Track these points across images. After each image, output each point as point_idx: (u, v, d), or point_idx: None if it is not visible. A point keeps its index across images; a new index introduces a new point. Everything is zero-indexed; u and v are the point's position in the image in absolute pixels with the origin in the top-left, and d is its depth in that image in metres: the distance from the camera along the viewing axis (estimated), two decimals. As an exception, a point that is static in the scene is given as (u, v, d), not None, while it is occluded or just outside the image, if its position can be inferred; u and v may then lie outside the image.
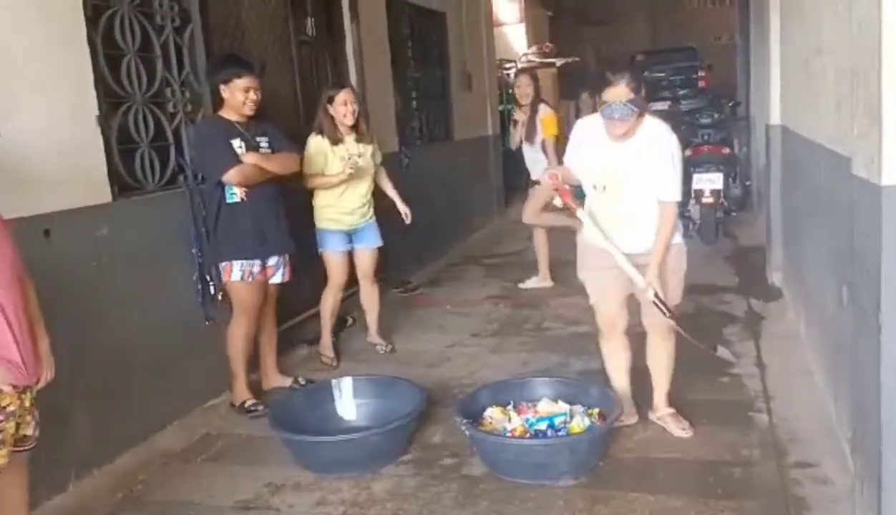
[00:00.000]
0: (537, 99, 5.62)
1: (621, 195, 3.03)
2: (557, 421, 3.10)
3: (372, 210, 4.43)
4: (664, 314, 3.05)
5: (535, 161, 5.62)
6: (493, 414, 3.24)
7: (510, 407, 3.29)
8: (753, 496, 2.73)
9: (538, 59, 14.73)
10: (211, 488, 3.11)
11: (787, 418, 3.32)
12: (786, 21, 4.91)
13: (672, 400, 3.35)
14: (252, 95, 3.63)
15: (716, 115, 7.59)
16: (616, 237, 3.06)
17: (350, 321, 5.03)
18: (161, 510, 2.98)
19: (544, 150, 5.52)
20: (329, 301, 4.43)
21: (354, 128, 4.23)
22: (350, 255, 4.41)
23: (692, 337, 3.24)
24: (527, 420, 3.16)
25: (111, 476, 3.26)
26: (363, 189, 4.33)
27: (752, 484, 2.81)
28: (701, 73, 15.50)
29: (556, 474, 2.89)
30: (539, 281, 5.82)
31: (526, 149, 5.66)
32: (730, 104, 8.36)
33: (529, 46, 15.53)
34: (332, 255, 4.33)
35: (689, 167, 6.92)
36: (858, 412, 2.26)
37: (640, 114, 2.92)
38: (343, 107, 4.15)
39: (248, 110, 3.65)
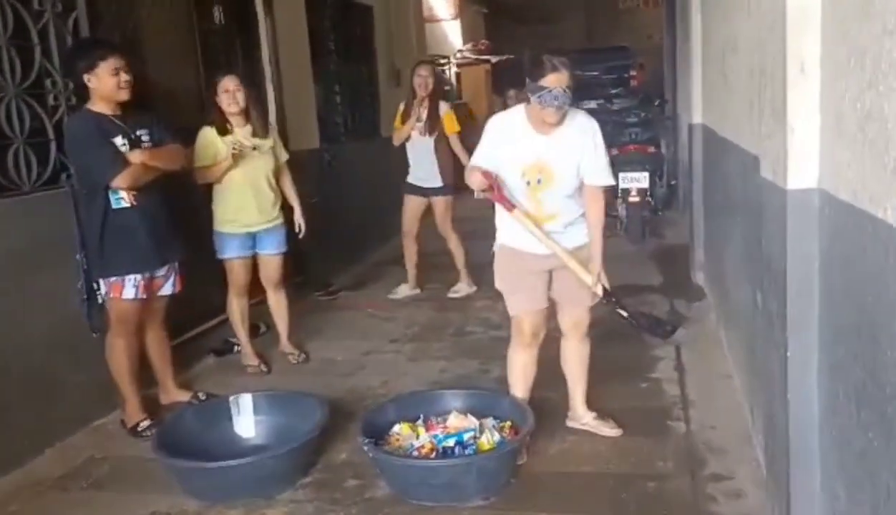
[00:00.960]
0: (438, 92, 5.39)
1: (553, 187, 2.89)
2: (466, 436, 2.93)
3: (278, 212, 4.15)
4: (614, 304, 3.06)
5: (427, 160, 5.33)
6: (400, 430, 3.05)
7: (419, 421, 3.11)
8: (666, 513, 2.61)
9: (473, 56, 14.61)
10: (89, 519, 2.84)
11: (704, 426, 3.23)
12: (707, 20, 4.87)
13: (593, 406, 3.25)
14: (123, 76, 3.27)
15: (643, 114, 7.58)
16: (549, 235, 2.93)
17: (262, 328, 4.75)
18: (29, 546, 2.69)
19: (436, 148, 5.28)
20: (234, 307, 4.18)
21: (245, 117, 3.98)
22: (253, 260, 4.14)
23: (644, 324, 3.24)
24: (435, 436, 2.97)
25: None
26: (262, 185, 4.03)
27: (665, 500, 2.69)
28: (633, 72, 15.65)
29: (465, 495, 2.71)
30: (467, 287, 5.57)
31: (418, 145, 5.32)
32: (656, 103, 8.36)
33: (465, 43, 15.39)
34: (233, 263, 4.06)
35: (616, 166, 6.86)
36: (766, 425, 2.15)
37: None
38: (225, 95, 3.89)
39: (125, 94, 3.29)
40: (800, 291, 1.74)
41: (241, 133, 3.97)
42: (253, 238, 4.08)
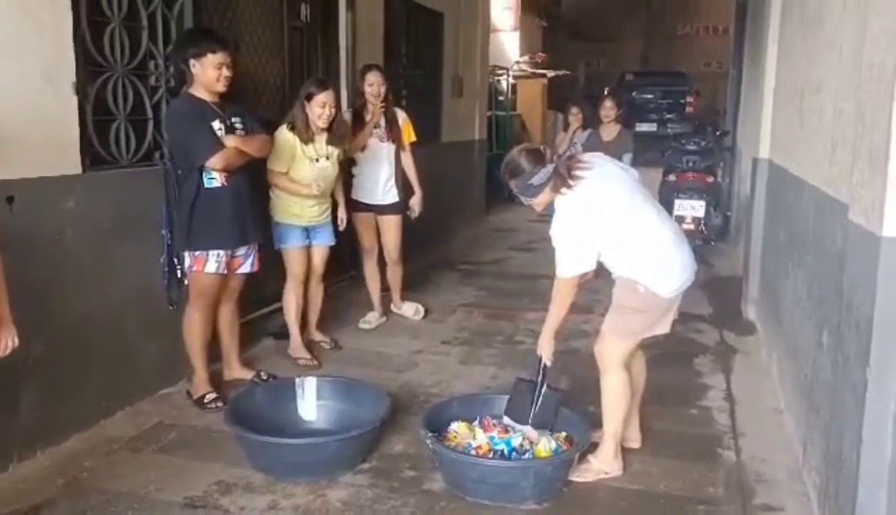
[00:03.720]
0: (392, 99, 4.99)
1: None
2: (514, 441, 3.02)
3: (329, 209, 4.34)
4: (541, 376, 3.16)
5: (384, 171, 4.87)
6: (458, 428, 3.16)
7: (476, 422, 3.21)
8: (717, 536, 2.68)
9: (530, 69, 14.70)
10: (159, 481, 2.98)
11: (754, 457, 3.27)
12: (783, 55, 4.90)
13: (642, 427, 3.33)
14: (225, 72, 3.46)
15: (702, 143, 7.60)
16: None
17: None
18: (105, 500, 2.84)
19: (398, 158, 4.93)
20: (291, 300, 4.31)
21: (327, 130, 4.10)
22: (307, 251, 4.30)
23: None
24: (491, 438, 3.07)
25: (55, 460, 3.12)
26: (326, 189, 4.22)
27: (715, 524, 2.76)
28: (689, 99, 15.63)
29: (520, 497, 2.81)
30: (413, 312, 5.28)
31: (375, 154, 4.85)
32: (717, 133, 8.37)
33: (522, 55, 15.50)
34: (293, 252, 4.22)
35: (673, 192, 6.92)
36: (833, 461, 2.21)
37: None
38: (320, 109, 4.00)
39: (221, 87, 3.49)
40: (886, 334, 1.81)
41: (320, 140, 4.10)
42: (307, 230, 4.25)
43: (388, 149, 4.89)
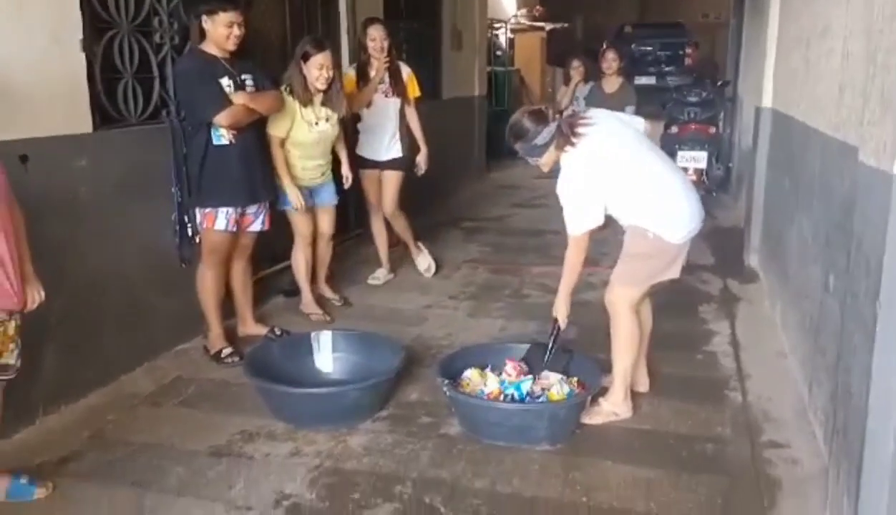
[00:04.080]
0: (395, 52, 4.88)
1: None
2: (524, 387, 3.10)
3: (329, 169, 4.34)
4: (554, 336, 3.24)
5: (390, 126, 4.84)
6: (471, 375, 3.23)
7: (487, 369, 3.28)
8: (726, 472, 2.76)
9: (528, 22, 14.53)
10: (182, 432, 3.07)
11: (760, 398, 3.36)
12: (786, 2, 4.88)
13: (650, 372, 3.41)
14: (236, 30, 3.47)
15: (704, 94, 7.57)
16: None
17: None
18: (130, 451, 2.92)
19: (403, 113, 4.91)
20: (300, 259, 4.35)
21: (325, 92, 4.03)
22: (312, 211, 4.30)
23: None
24: (502, 382, 3.14)
25: (79, 414, 3.20)
26: (326, 151, 4.24)
27: (725, 461, 2.85)
28: (688, 50, 15.49)
29: (535, 439, 2.89)
30: (426, 261, 5.31)
31: (380, 109, 4.81)
32: (718, 83, 8.34)
33: (519, 8, 15.31)
34: (297, 213, 4.22)
35: (675, 144, 6.93)
36: (841, 396, 2.28)
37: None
38: (317, 71, 3.92)
39: (232, 45, 3.50)
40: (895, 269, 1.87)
41: (317, 102, 4.05)
42: (309, 190, 4.25)
43: (393, 104, 4.86)
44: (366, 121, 4.85)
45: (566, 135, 2.95)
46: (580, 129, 2.97)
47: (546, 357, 3.23)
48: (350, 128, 4.76)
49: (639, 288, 3.11)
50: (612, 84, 6.09)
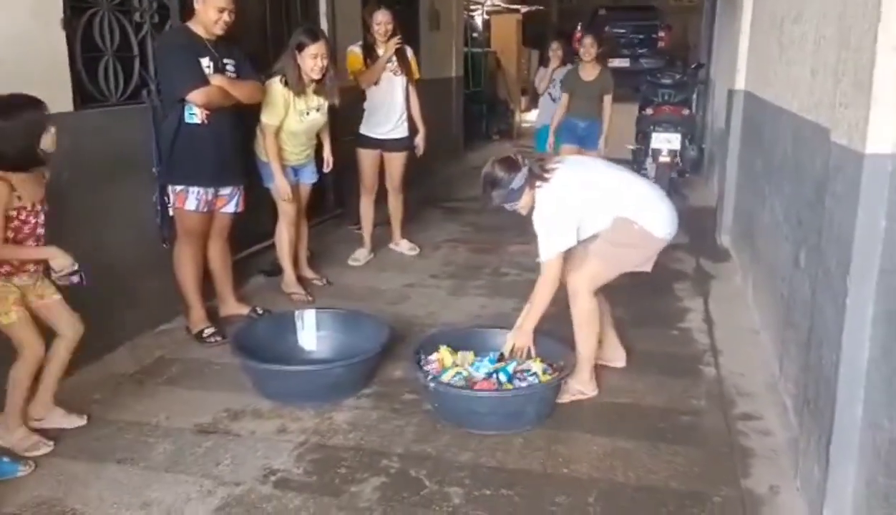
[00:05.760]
0: (400, 35, 4.91)
1: None
2: (510, 368, 3.11)
3: (312, 150, 4.37)
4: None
5: (397, 105, 4.95)
6: (442, 355, 3.20)
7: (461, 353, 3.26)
8: (701, 443, 2.86)
9: (504, 4, 14.52)
10: (168, 410, 3.09)
11: (733, 372, 3.47)
12: (760, -13, 4.96)
13: (627, 348, 3.52)
14: (226, 17, 3.47)
15: (677, 77, 7.67)
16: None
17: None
18: (117, 429, 2.94)
19: (407, 96, 5.01)
20: (285, 237, 4.35)
21: (319, 81, 4.03)
22: (296, 189, 4.33)
23: None
24: (476, 364, 3.15)
25: (64, 394, 3.18)
26: (312, 135, 4.28)
27: (700, 432, 2.95)
28: (661, 33, 15.63)
29: (525, 422, 2.92)
30: (409, 249, 5.41)
31: (386, 88, 4.91)
32: (692, 66, 8.45)
33: (495, -11, 15.29)
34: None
35: (649, 125, 7.02)
36: (812, 368, 2.38)
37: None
38: (312, 61, 3.91)
39: (219, 29, 3.50)
40: (865, 245, 1.95)
41: (310, 92, 4.05)
42: (293, 169, 4.28)
43: (400, 82, 4.94)
44: (373, 99, 4.91)
45: (537, 174, 3.08)
46: (550, 166, 3.13)
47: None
48: (357, 107, 4.86)
49: (608, 276, 3.18)
50: (589, 71, 6.02)
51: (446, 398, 2.96)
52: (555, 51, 6.60)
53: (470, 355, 3.23)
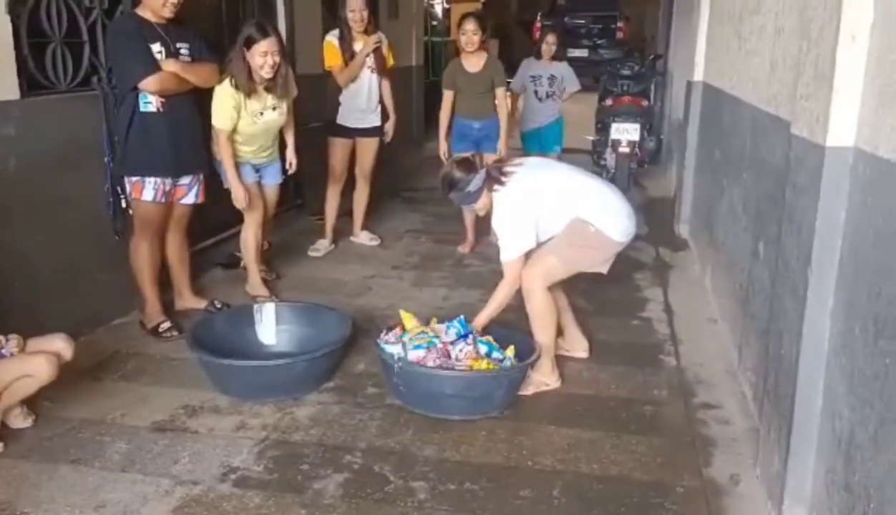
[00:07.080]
0: (374, 24, 4.89)
1: None
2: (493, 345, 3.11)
3: (275, 150, 4.18)
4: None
5: (373, 97, 4.96)
6: (403, 315, 3.21)
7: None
8: (663, 432, 2.89)
9: (462, -7, 14.42)
10: (124, 407, 3.00)
11: (693, 362, 3.51)
12: (718, -20, 5.00)
13: (589, 339, 3.55)
14: None
15: (636, 67, 7.71)
16: None
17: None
18: (71, 428, 2.85)
19: (381, 82, 4.99)
20: (251, 238, 4.13)
21: (271, 79, 3.75)
22: (260, 188, 4.14)
23: None
24: (450, 328, 3.11)
25: (13, 392, 3.08)
26: (272, 134, 4.06)
27: (662, 422, 2.98)
28: (620, 24, 15.75)
29: (490, 407, 2.93)
30: (369, 240, 5.37)
31: (364, 83, 4.90)
32: (651, 57, 8.51)
33: (454, -22, 15.18)
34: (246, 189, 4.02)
35: (609, 116, 7.05)
36: (772, 358, 2.41)
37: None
38: (262, 58, 3.63)
39: (168, 12, 3.38)
40: (825, 237, 1.98)
41: (262, 91, 3.80)
42: (256, 168, 4.10)
43: (376, 77, 4.97)
44: (350, 92, 4.90)
45: (495, 177, 3.12)
46: (508, 169, 3.15)
47: None
48: (333, 99, 4.88)
49: (562, 274, 3.20)
50: (474, 62, 5.18)
51: (414, 378, 2.93)
52: (549, 45, 5.92)
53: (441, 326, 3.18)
